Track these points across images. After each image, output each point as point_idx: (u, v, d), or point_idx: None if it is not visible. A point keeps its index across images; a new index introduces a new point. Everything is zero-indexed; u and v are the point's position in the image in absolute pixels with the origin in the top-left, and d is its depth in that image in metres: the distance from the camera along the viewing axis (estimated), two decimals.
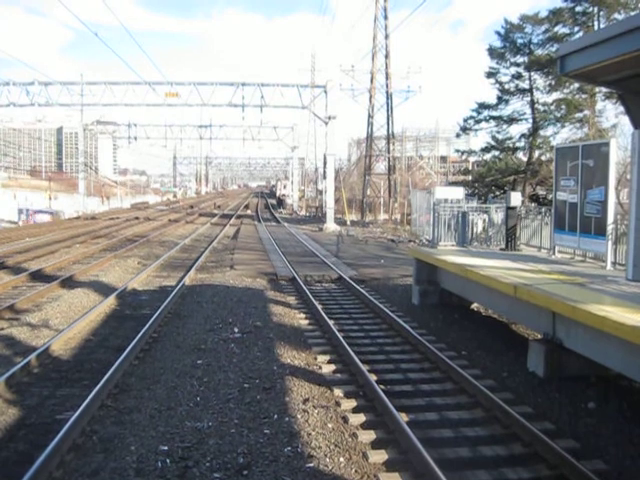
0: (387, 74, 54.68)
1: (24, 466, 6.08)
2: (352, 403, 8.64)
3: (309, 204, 73.32)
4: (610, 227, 12.37)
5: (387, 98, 55.29)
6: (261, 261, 23.98)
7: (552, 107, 39.86)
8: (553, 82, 38.54)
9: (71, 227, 41.45)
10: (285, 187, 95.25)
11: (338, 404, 8.62)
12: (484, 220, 17.82)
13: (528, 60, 39.80)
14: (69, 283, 17.89)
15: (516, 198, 16.48)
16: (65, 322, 13.26)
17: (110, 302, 15.29)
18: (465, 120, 44.13)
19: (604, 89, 32.21)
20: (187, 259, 25.37)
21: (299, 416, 8.09)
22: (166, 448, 6.98)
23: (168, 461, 6.66)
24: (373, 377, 9.44)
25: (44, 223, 46.01)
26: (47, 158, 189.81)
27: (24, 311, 14.18)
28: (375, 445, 7.28)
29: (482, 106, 42.74)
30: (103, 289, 17.25)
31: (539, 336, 10.74)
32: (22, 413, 8.09)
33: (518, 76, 41.11)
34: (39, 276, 19.28)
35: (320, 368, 10.32)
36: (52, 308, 14.43)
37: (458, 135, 49.78)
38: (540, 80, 40.27)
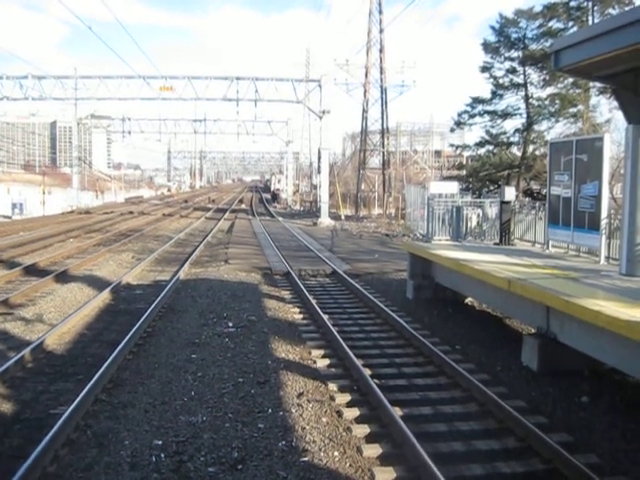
0: (381, 68, 54.74)
1: (18, 461, 6.07)
2: (346, 397, 8.65)
3: (303, 198, 73.24)
4: (604, 222, 12.41)
5: (381, 92, 55.41)
6: (255, 255, 23.97)
7: (546, 102, 39.96)
8: (547, 77, 38.61)
9: (65, 221, 41.35)
10: (279, 181, 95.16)
11: (332, 398, 8.63)
12: (478, 215, 17.85)
13: (522, 55, 39.87)
14: (63, 277, 17.85)
15: (510, 193, 16.52)
16: (59, 317, 13.24)
17: (104, 296, 15.26)
18: (459, 115, 44.19)
19: (598, 84, 32.23)
20: (181, 253, 25.34)
21: (293, 410, 8.10)
22: (160, 442, 6.98)
23: (162, 455, 6.66)
24: (367, 371, 9.46)
25: (38, 218, 45.88)
26: (41, 152, 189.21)
27: (18, 306, 14.14)
28: (369, 439, 7.29)
29: (476, 101, 42.78)
30: (97, 283, 17.22)
31: (533, 330, 10.77)
32: (16, 408, 8.08)
33: (512, 71, 41.17)
34: (33, 270, 19.23)
35: (314, 362, 10.33)
36: (46, 302, 14.41)
37: (452, 130, 49.88)
38: (534, 75, 40.39)
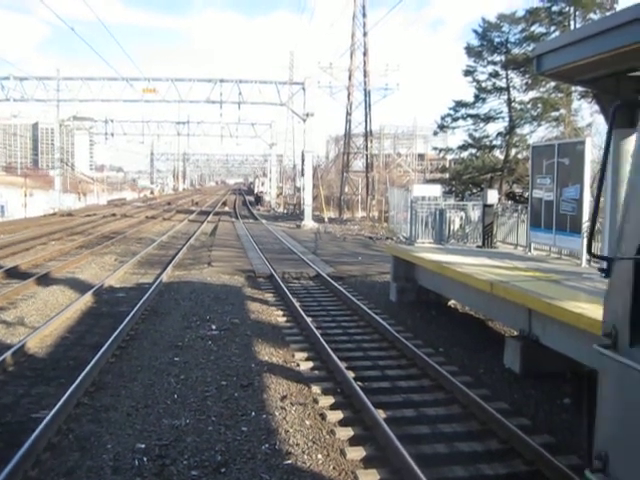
0: (365, 72, 54.79)
1: None
2: (330, 400, 8.66)
3: (287, 201, 73.15)
4: (585, 225, 12.50)
5: (365, 96, 55.44)
6: (239, 258, 23.93)
7: (528, 106, 40.26)
8: (529, 81, 38.88)
9: (47, 224, 41.03)
10: (263, 184, 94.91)
11: (316, 401, 8.63)
12: (461, 217, 17.95)
13: (505, 59, 40.15)
14: (45, 280, 17.72)
15: (493, 196, 16.63)
16: (41, 320, 13.14)
17: (86, 299, 15.17)
18: (442, 118, 44.37)
19: (580, 88, 32.53)
20: (164, 256, 25.23)
21: (277, 413, 8.10)
22: (143, 446, 6.95)
23: (145, 459, 6.63)
24: (351, 374, 9.47)
25: (19, 220, 45.50)
26: (23, 154, 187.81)
27: None
28: (353, 442, 7.30)
29: (459, 104, 42.99)
30: (79, 286, 17.11)
31: (515, 333, 10.83)
32: None
33: (495, 75, 41.45)
34: (14, 273, 19.06)
35: (298, 365, 10.33)
36: (27, 305, 14.30)
37: (436, 133, 50.00)
38: (517, 79, 40.69)
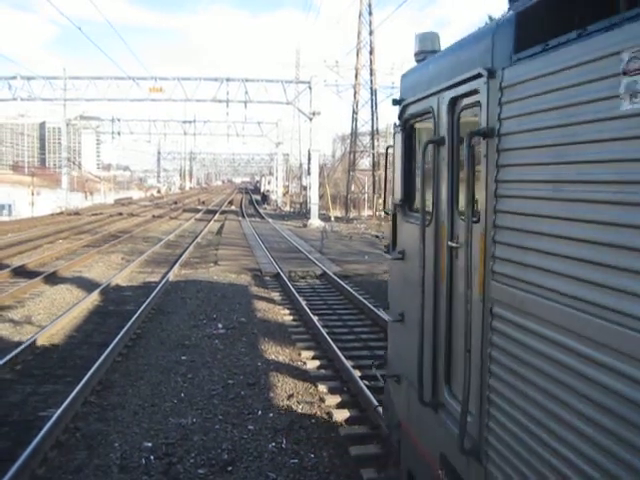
0: (371, 70, 54.60)
1: (7, 464, 6.05)
2: (336, 399, 8.67)
3: (293, 200, 73.14)
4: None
5: (371, 94, 55.24)
6: (245, 257, 23.96)
7: None
8: None
9: (54, 223, 41.16)
10: (269, 183, 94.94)
11: (322, 400, 8.64)
12: None
13: None
14: (52, 279, 17.78)
15: None
16: (48, 318, 13.19)
17: (93, 298, 15.21)
18: None
19: None
20: (171, 255, 25.29)
21: (283, 412, 8.10)
22: (150, 445, 6.98)
23: (152, 457, 6.66)
24: (357, 373, 9.47)
25: (27, 219, 45.64)
26: (30, 153, 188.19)
27: (7, 307, 14.08)
28: (358, 440, 7.29)
29: None
30: (86, 285, 17.16)
31: None
32: (5, 410, 8.05)
33: None
34: (22, 272, 19.14)
35: (304, 364, 10.34)
36: (35, 304, 14.35)
37: None
38: None
